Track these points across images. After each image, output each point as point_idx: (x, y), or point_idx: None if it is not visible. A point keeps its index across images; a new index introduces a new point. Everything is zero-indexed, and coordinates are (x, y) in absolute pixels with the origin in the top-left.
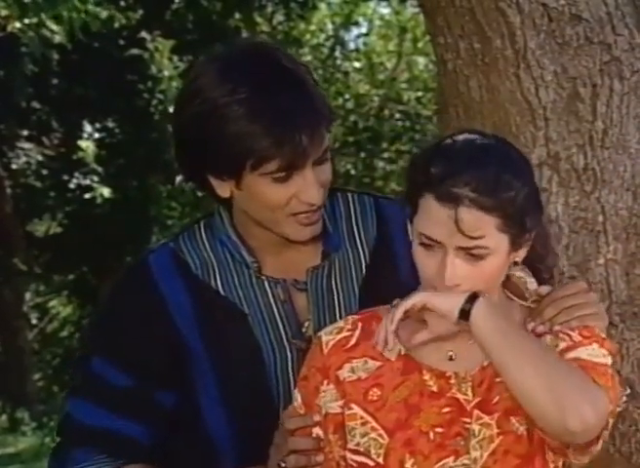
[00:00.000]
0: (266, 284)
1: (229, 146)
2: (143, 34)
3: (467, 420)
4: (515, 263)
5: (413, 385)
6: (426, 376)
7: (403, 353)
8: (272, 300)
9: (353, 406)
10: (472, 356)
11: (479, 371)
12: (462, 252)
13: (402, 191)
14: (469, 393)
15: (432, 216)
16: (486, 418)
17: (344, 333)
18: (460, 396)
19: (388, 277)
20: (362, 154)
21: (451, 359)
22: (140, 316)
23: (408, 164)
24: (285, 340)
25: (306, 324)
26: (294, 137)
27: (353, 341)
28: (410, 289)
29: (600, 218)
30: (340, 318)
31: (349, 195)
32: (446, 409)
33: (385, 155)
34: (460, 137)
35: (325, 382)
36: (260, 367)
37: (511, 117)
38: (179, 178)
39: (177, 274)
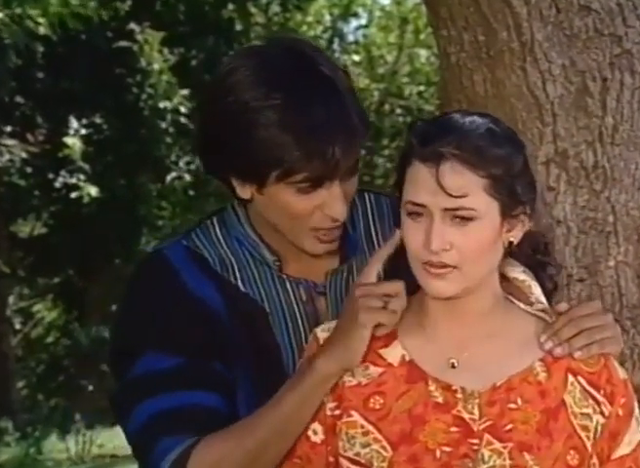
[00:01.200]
0: (287, 283)
1: (257, 153)
2: (132, 26)
3: (475, 441)
4: (510, 244)
5: (417, 395)
6: (432, 387)
7: (408, 359)
8: (294, 300)
9: (353, 413)
10: (482, 369)
11: (490, 390)
12: (449, 215)
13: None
14: (475, 412)
15: (417, 180)
16: (497, 445)
17: None
18: (465, 415)
19: (404, 279)
20: (361, 151)
21: (453, 366)
22: (170, 300)
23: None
24: (304, 342)
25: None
26: (325, 152)
27: None
28: None
29: (610, 219)
30: None
31: (366, 195)
32: (453, 429)
33: (386, 152)
34: (442, 114)
35: None
36: (278, 367)
37: (517, 113)
38: (169, 177)
39: (196, 269)
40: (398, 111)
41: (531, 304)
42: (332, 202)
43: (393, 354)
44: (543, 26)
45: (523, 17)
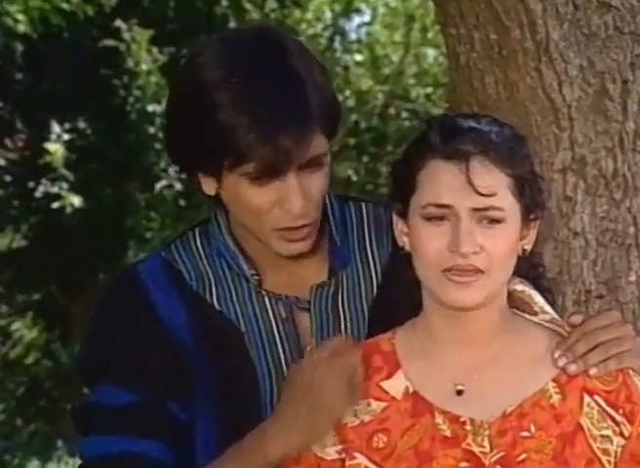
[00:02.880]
0: (267, 300)
1: (211, 136)
2: (118, 23)
3: None
4: (524, 252)
5: (423, 429)
6: (439, 419)
7: (412, 391)
8: (272, 318)
9: (357, 455)
10: (491, 395)
11: (500, 419)
12: (475, 216)
13: (387, 193)
14: (486, 444)
15: (440, 179)
16: None
17: None
18: (475, 448)
19: (401, 297)
20: (364, 158)
21: (459, 393)
22: (133, 327)
23: (392, 162)
24: (284, 363)
25: (309, 347)
26: (275, 139)
27: None
28: None
29: (631, 230)
30: None
31: (363, 205)
32: (463, 464)
33: (391, 159)
34: (444, 116)
35: None
36: (253, 391)
37: (532, 117)
38: (158, 185)
39: (169, 284)
40: (404, 115)
41: (535, 314)
42: (288, 195)
43: (396, 386)
44: (559, 24)
45: (538, 14)
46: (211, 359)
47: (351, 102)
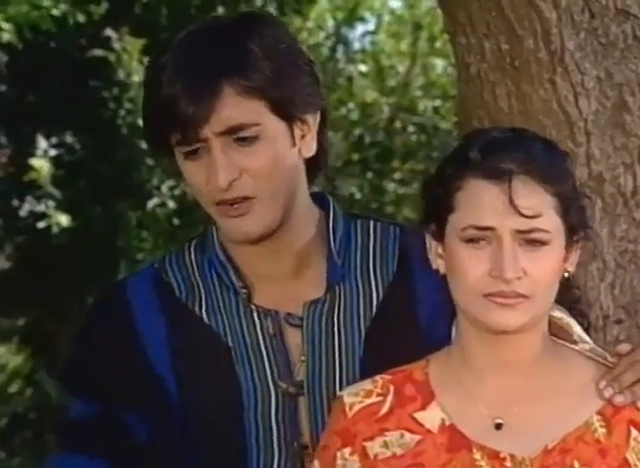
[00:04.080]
0: (255, 314)
1: (145, 119)
2: (109, 32)
3: None
4: (566, 274)
5: (460, 465)
6: (477, 455)
7: (448, 424)
8: (260, 334)
9: None
10: (532, 428)
11: (542, 455)
12: (518, 239)
13: (419, 215)
14: None
15: (480, 199)
16: None
17: (374, 398)
18: None
19: (403, 319)
20: (369, 174)
21: (498, 427)
22: (106, 342)
23: (425, 181)
24: (270, 381)
25: (298, 364)
26: (186, 107)
27: (386, 409)
28: (429, 336)
29: None
30: (340, 362)
31: (372, 223)
32: None
33: (397, 175)
34: (483, 130)
35: (346, 450)
36: (237, 408)
37: (546, 131)
38: (150, 203)
39: (156, 296)
40: (410, 129)
41: (575, 343)
42: (212, 168)
43: (431, 418)
44: (575, 33)
45: (552, 22)
46: (187, 382)
47: (355, 115)
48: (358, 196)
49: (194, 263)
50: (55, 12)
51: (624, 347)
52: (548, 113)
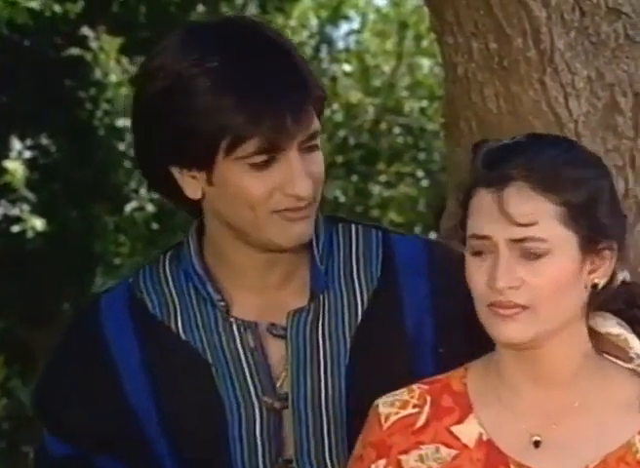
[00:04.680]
0: (234, 327)
1: (197, 127)
2: (85, 30)
3: None
4: (594, 287)
5: None
6: None
7: (485, 439)
8: (240, 347)
9: None
10: (571, 447)
11: None
12: (516, 248)
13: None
14: None
15: (480, 209)
16: None
17: (410, 409)
18: None
19: (389, 326)
20: (354, 177)
21: (536, 445)
22: (79, 373)
23: (458, 189)
24: (254, 396)
25: (282, 377)
26: (275, 111)
27: (422, 421)
28: (416, 343)
29: None
30: (325, 373)
31: (353, 227)
32: None
33: (382, 178)
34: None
35: (381, 463)
36: (221, 426)
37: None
38: (128, 207)
39: (129, 316)
40: (396, 130)
41: (631, 360)
42: (292, 177)
43: (468, 432)
44: (565, 32)
45: (542, 21)
46: (167, 406)
47: (339, 117)
48: (342, 199)
49: (169, 276)
50: (33, 4)
51: None
52: (538, 114)
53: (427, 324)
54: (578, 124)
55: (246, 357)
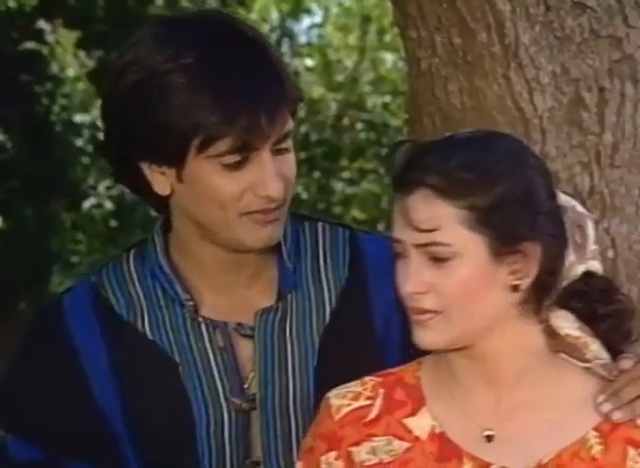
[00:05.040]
0: (203, 327)
1: (169, 123)
2: (42, 24)
3: None
4: (514, 289)
5: None
6: (467, 465)
7: (438, 431)
8: (209, 347)
9: None
10: (525, 442)
11: None
12: (423, 252)
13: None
14: None
15: (394, 212)
16: None
17: (362, 401)
18: None
19: (357, 326)
20: (316, 173)
21: (489, 439)
22: (45, 376)
23: None
24: (222, 397)
25: (250, 377)
26: (249, 111)
27: (374, 413)
28: (385, 343)
29: (610, 254)
30: (293, 373)
31: (320, 225)
32: None
33: (345, 175)
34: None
35: (331, 455)
36: (189, 427)
37: (500, 128)
38: (86, 204)
39: (94, 317)
40: (359, 126)
41: (587, 362)
42: (264, 178)
43: (421, 425)
44: (530, 27)
45: (506, 15)
46: (133, 407)
47: (301, 112)
48: (305, 196)
49: (134, 275)
50: None
51: (627, 362)
52: (502, 110)
53: (395, 323)
54: (542, 119)
55: (215, 357)
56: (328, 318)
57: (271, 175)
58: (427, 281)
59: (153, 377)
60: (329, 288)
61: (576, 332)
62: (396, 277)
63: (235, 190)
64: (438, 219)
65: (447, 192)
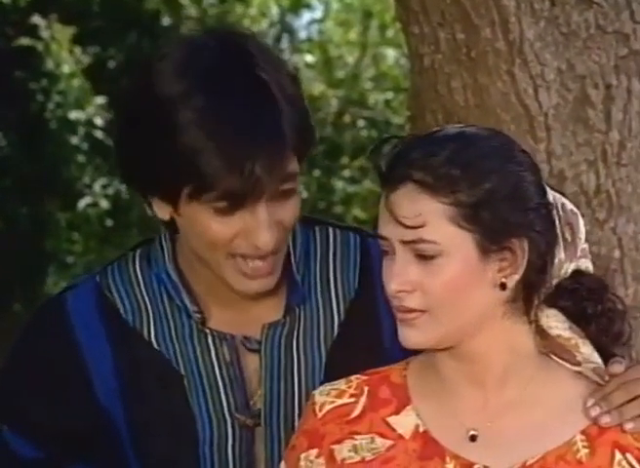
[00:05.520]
0: (210, 339)
1: (170, 160)
2: (36, 19)
3: None
4: (502, 287)
5: None
6: (450, 465)
7: (422, 430)
8: (215, 361)
9: None
10: (510, 444)
11: None
12: (409, 250)
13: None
14: None
15: (380, 209)
16: None
17: (346, 399)
18: None
19: (366, 340)
20: (316, 172)
21: (473, 439)
22: (48, 374)
23: None
24: (227, 413)
25: (256, 393)
26: (243, 165)
27: (358, 411)
28: (392, 356)
29: (616, 254)
30: (300, 390)
31: (330, 230)
32: None
33: (346, 173)
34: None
35: (312, 452)
36: (192, 443)
37: (504, 126)
38: (82, 203)
39: (100, 320)
40: (361, 123)
41: (578, 364)
42: (255, 228)
43: (405, 423)
44: (535, 22)
45: (510, 10)
46: (137, 416)
47: None
48: (305, 195)
49: (140, 278)
50: None
51: (618, 367)
52: (506, 107)
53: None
54: (547, 117)
55: (220, 371)
56: (336, 331)
57: (263, 225)
58: (413, 279)
59: (158, 389)
60: (337, 299)
61: (566, 333)
62: (383, 275)
63: (226, 234)
64: (424, 216)
65: (433, 188)
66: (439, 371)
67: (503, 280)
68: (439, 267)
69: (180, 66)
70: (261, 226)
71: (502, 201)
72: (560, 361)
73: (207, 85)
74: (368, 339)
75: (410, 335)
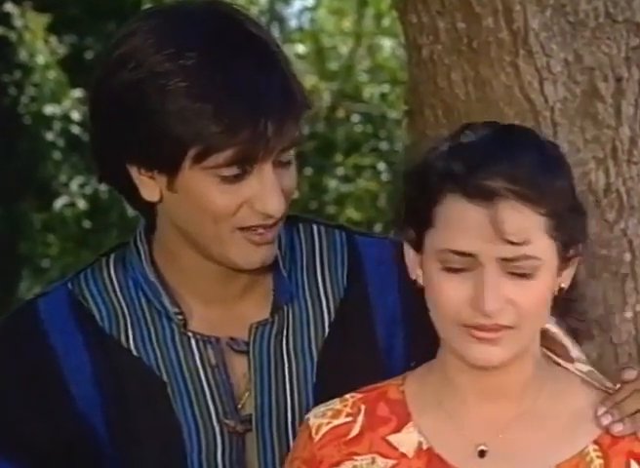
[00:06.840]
0: (193, 343)
1: (166, 129)
2: (9, 7)
3: None
4: (560, 291)
5: None
6: None
7: (425, 447)
8: (200, 365)
9: None
10: (520, 457)
11: None
12: (504, 267)
13: (395, 216)
14: None
15: (460, 221)
16: None
17: (343, 419)
18: None
19: (359, 338)
20: (308, 170)
21: (481, 455)
22: (22, 384)
23: (406, 179)
24: (214, 419)
25: (245, 397)
26: (255, 122)
27: (356, 431)
28: (388, 356)
29: (627, 257)
30: (291, 392)
31: (315, 228)
32: None
33: (339, 171)
34: (475, 127)
35: None
36: (179, 453)
37: (507, 121)
38: (58, 203)
39: (75, 327)
40: (355, 118)
41: (572, 362)
42: (264, 193)
43: (407, 441)
44: (540, 11)
45: None
46: (119, 426)
47: None
48: (296, 194)
49: (116, 283)
50: None
51: (630, 373)
52: (510, 101)
53: (398, 335)
54: (554, 112)
55: (206, 375)
56: (327, 330)
57: (272, 189)
58: (507, 296)
59: (140, 398)
60: (327, 298)
61: (553, 328)
62: (445, 293)
63: (231, 204)
64: (530, 231)
65: (533, 200)
66: (449, 385)
67: (563, 285)
68: (534, 283)
69: (163, 28)
70: (272, 190)
71: (578, 205)
72: (555, 358)
73: (195, 45)
74: (361, 338)
75: (494, 354)
